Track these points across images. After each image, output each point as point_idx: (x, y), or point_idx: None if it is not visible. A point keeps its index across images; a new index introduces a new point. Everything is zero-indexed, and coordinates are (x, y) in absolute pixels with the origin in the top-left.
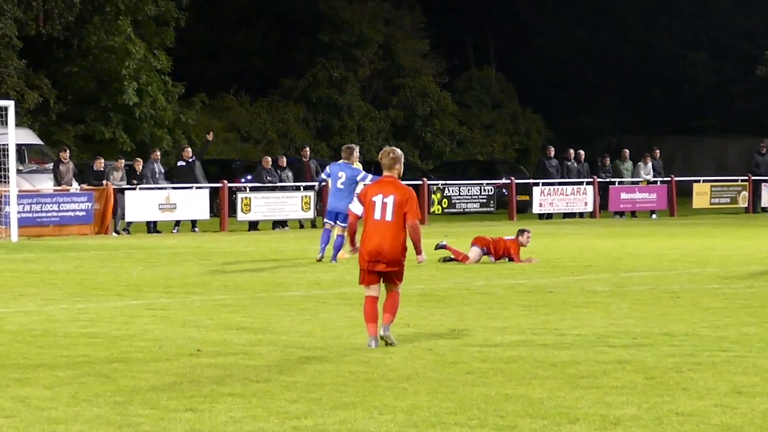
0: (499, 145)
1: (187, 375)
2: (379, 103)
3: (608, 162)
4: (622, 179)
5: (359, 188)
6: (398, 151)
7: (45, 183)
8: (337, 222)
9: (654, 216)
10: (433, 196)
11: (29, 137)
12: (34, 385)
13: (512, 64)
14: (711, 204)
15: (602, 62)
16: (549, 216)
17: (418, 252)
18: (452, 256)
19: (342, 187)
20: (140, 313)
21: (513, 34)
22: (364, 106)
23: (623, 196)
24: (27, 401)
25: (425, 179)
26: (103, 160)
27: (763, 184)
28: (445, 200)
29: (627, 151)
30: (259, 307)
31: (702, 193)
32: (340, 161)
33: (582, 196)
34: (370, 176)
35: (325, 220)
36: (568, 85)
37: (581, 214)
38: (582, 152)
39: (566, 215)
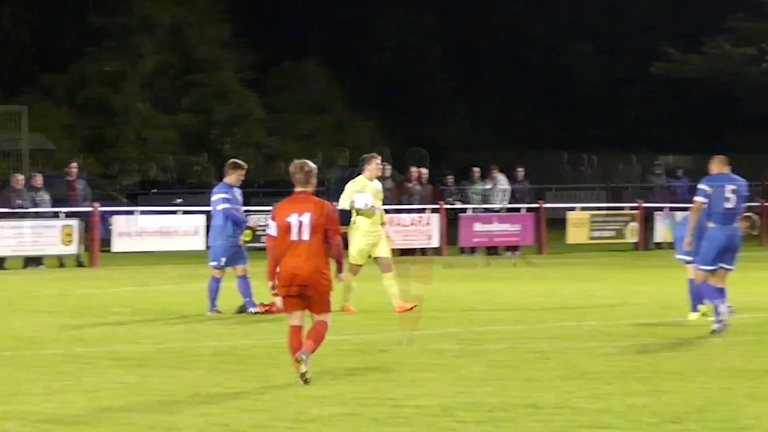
0: (325, 160)
1: None
2: (165, 106)
3: (454, 181)
4: (475, 206)
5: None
6: (311, 163)
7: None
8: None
9: (517, 252)
10: None
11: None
12: None
13: (340, 57)
14: (591, 238)
15: (458, 56)
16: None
17: (340, 270)
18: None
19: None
20: None
21: (342, 16)
22: (144, 110)
23: (477, 227)
24: None
25: None
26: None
27: None
28: None
29: (477, 169)
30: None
31: (578, 222)
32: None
33: (425, 227)
34: (221, 196)
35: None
36: (413, 85)
37: (424, 251)
38: (425, 171)
39: (404, 252)
